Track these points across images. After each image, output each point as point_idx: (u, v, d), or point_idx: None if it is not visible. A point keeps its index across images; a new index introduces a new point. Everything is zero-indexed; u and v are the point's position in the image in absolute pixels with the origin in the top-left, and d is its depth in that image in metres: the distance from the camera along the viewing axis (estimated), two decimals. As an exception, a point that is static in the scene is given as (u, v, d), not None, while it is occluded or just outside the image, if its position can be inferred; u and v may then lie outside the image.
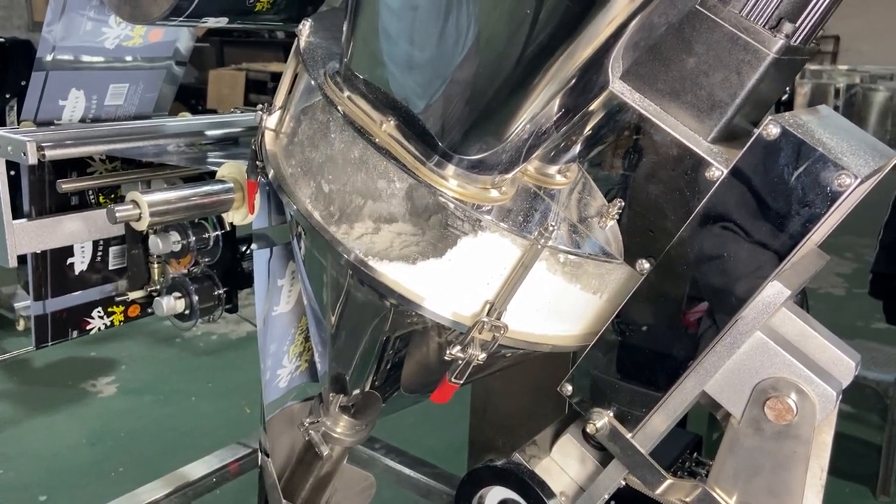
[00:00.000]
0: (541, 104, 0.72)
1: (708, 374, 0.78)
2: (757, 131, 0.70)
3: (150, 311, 1.48)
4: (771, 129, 0.69)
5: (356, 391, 1.20)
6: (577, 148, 0.84)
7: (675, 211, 0.76)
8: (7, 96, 3.84)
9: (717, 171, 0.73)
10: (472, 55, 0.70)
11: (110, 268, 1.53)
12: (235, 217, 1.05)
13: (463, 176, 0.77)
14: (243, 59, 8.02)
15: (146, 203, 0.93)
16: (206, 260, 1.38)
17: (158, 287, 1.43)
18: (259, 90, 7.17)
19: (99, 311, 1.56)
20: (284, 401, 1.27)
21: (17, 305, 3.60)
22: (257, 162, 0.93)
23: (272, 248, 1.09)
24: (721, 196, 0.72)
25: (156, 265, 1.42)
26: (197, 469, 1.68)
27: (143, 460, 2.98)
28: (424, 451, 1.92)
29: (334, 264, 0.85)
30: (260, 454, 1.19)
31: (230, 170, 1.06)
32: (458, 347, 0.82)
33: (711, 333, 0.75)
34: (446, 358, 0.84)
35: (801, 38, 0.73)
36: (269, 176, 0.89)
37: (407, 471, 1.61)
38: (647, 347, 0.79)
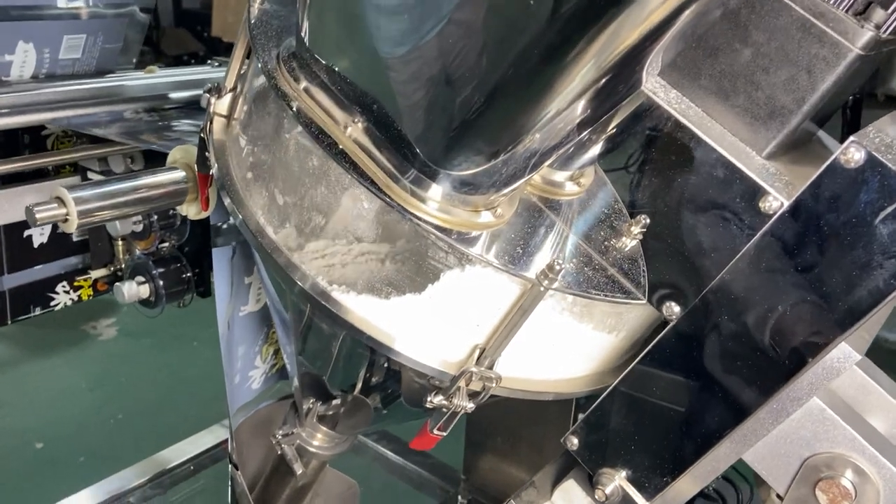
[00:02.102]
0: (560, 106, 0.55)
1: (748, 441, 0.63)
2: (833, 155, 0.52)
3: (121, 286, 1.34)
4: (852, 153, 0.52)
5: (337, 399, 1.06)
6: (596, 151, 0.67)
7: (716, 246, 0.59)
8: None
9: (775, 202, 0.56)
10: (470, 38, 0.53)
11: (74, 239, 1.38)
12: (190, 211, 0.89)
13: (447, 197, 0.61)
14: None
15: (72, 201, 0.77)
16: (174, 239, 1.22)
17: (124, 266, 1.28)
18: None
19: (64, 286, 1.42)
20: (259, 402, 1.14)
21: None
22: (206, 153, 0.77)
23: (235, 245, 0.93)
24: (779, 233, 0.56)
25: (120, 242, 1.27)
26: (175, 455, 1.57)
27: (143, 407, 2.89)
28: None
29: (291, 289, 0.70)
30: (230, 465, 1.07)
31: (182, 154, 0.89)
32: (441, 397, 0.67)
33: (756, 398, 0.60)
34: (427, 406, 0.69)
35: (892, 27, 0.55)
36: (214, 174, 0.73)
37: (400, 460, 1.49)
38: (672, 405, 0.64)
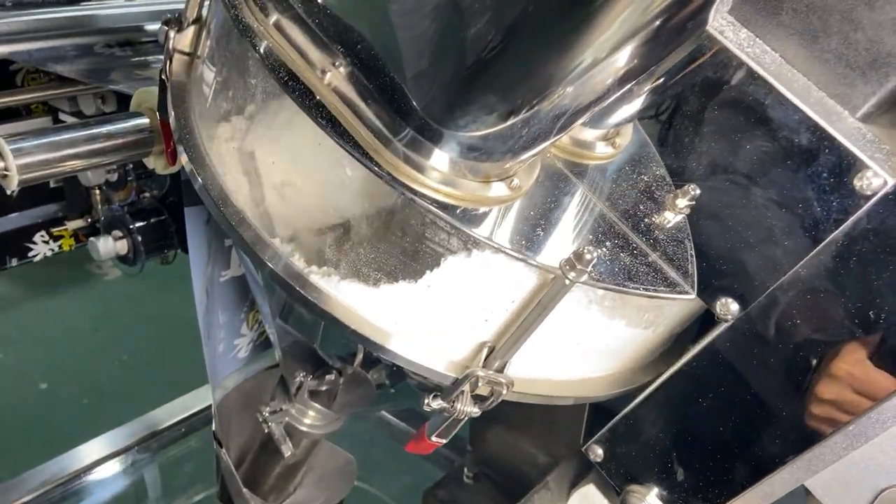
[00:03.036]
0: (600, 52, 0.41)
1: (814, 467, 0.52)
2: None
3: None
4: None
5: (331, 374, 0.96)
6: (637, 105, 0.54)
7: (791, 231, 0.47)
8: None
9: (876, 180, 0.43)
10: None
11: (52, 186, 1.27)
12: (157, 164, 0.77)
13: (451, 165, 0.48)
14: None
15: (10, 154, 0.65)
16: (155, 189, 1.10)
17: (102, 217, 1.17)
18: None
19: (43, 235, 1.31)
20: (246, 372, 1.03)
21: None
22: (166, 98, 0.64)
23: (211, 204, 0.81)
24: (878, 219, 0.43)
25: (97, 192, 1.15)
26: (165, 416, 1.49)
27: (148, 348, 2.83)
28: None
29: (261, 270, 0.58)
30: (214, 444, 0.98)
31: (148, 97, 0.76)
32: (442, 401, 0.56)
33: (832, 419, 0.48)
34: (425, 409, 0.58)
35: None
36: (172, 124, 0.60)
37: (403, 425, 1.40)
38: (723, 419, 0.53)
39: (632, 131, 0.60)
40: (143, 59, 1.01)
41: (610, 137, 0.58)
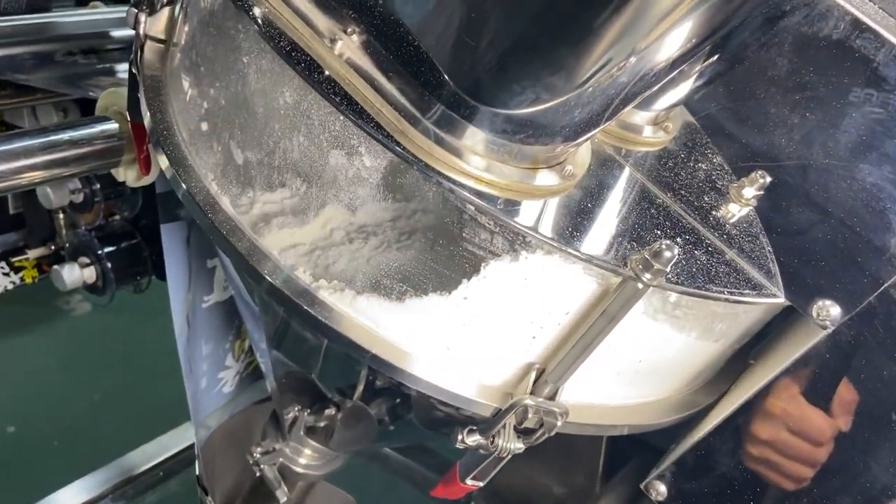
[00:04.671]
0: (677, 12, 0.33)
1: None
2: None
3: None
4: None
5: (330, 407, 0.86)
6: (694, 81, 0.46)
7: (907, 218, 0.38)
8: None
9: None
10: None
11: (11, 212, 1.16)
12: (128, 175, 0.68)
13: (492, 147, 0.39)
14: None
15: (-45, 167, 0.55)
16: (125, 211, 1.00)
17: (67, 243, 1.06)
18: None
19: (2, 267, 1.20)
20: (231, 408, 0.93)
21: None
22: (138, 94, 0.55)
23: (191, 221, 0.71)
24: None
25: (61, 216, 1.05)
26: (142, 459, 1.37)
27: (120, 387, 2.69)
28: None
29: (259, 285, 0.49)
30: (198, 489, 0.88)
31: (116, 99, 0.67)
32: (479, 437, 0.47)
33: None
34: (458, 446, 0.49)
35: None
36: (146, 124, 0.51)
37: (402, 458, 1.30)
38: (820, 448, 0.44)
39: (681, 115, 0.53)
40: (108, 66, 0.92)
41: (661, 121, 0.50)
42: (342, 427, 0.85)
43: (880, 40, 0.37)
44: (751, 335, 0.53)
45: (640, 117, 0.49)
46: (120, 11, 1.09)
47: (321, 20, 0.40)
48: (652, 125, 0.50)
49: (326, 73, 0.40)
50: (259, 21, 0.41)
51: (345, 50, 0.40)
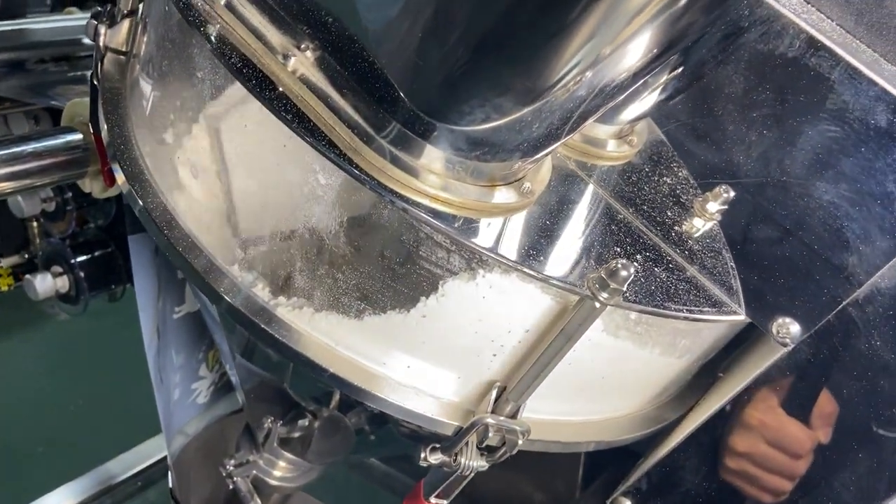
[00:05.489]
0: (631, 20, 0.33)
1: (889, 517, 0.43)
2: None
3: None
4: None
5: (304, 418, 0.86)
6: (656, 95, 0.46)
7: (868, 236, 0.38)
8: None
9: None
10: None
11: (-16, 220, 1.14)
12: (94, 186, 0.67)
13: (449, 165, 0.39)
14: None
15: (-87, 180, 0.54)
16: (99, 219, 0.99)
17: (40, 251, 1.05)
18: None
19: (-24, 275, 1.19)
20: (207, 418, 0.92)
21: None
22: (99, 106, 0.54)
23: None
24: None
25: (35, 224, 1.04)
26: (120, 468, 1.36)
27: (105, 393, 2.67)
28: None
29: (218, 304, 0.48)
30: (171, 502, 0.87)
31: (82, 110, 0.66)
32: (442, 454, 0.46)
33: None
34: (421, 463, 0.48)
35: None
36: (103, 135, 0.50)
37: (383, 466, 1.29)
38: (786, 464, 0.44)
39: (646, 129, 0.52)
40: (79, 73, 0.91)
41: (625, 135, 0.50)
42: (319, 438, 0.84)
43: (835, 58, 0.37)
44: (717, 350, 0.52)
45: (602, 131, 0.48)
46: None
47: (275, 36, 0.40)
48: (616, 139, 0.49)
49: (280, 89, 0.39)
50: (212, 37, 0.40)
51: (298, 66, 0.39)
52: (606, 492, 0.74)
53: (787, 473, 0.47)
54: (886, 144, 0.37)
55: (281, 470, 0.84)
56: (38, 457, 2.34)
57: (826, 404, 0.44)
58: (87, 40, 0.97)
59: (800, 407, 0.44)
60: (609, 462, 0.75)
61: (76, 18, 1.05)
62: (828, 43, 0.37)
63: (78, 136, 0.65)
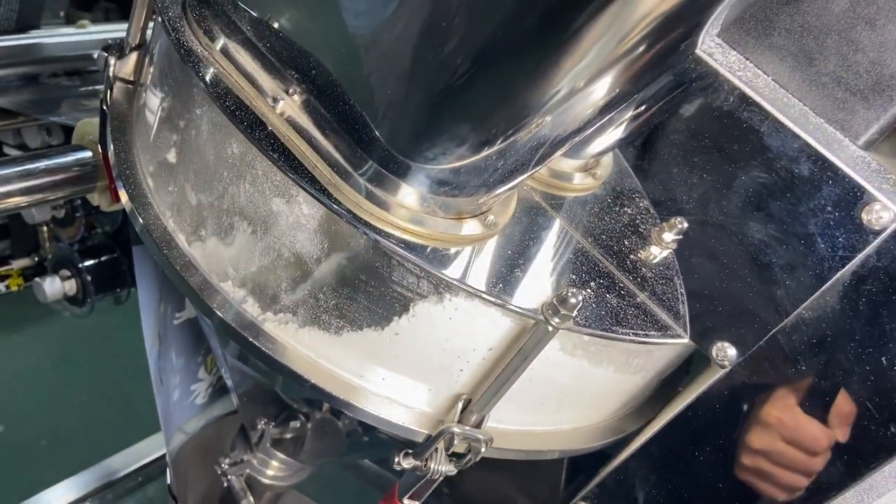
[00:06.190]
0: (583, 76, 0.37)
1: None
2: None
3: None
4: None
5: (296, 420, 0.90)
6: (619, 133, 0.50)
7: (793, 270, 0.42)
8: None
9: (886, 214, 0.39)
10: None
11: (-3, 223, 1.19)
12: (102, 200, 0.71)
13: (420, 201, 0.43)
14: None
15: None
16: (107, 225, 1.04)
17: (49, 255, 1.10)
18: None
19: (-12, 275, 1.24)
20: (205, 417, 0.97)
21: None
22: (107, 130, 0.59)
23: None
24: (890, 257, 0.39)
25: (45, 229, 1.09)
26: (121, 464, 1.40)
27: (109, 387, 2.71)
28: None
29: (209, 318, 0.52)
30: (169, 499, 0.91)
31: (92, 129, 0.71)
32: (413, 459, 0.50)
33: (841, 477, 0.44)
34: (395, 467, 0.52)
35: None
36: (110, 156, 0.55)
37: (375, 467, 1.34)
38: (720, 474, 0.48)
39: (612, 161, 0.56)
40: (91, 88, 0.96)
41: (590, 168, 0.54)
42: (311, 439, 0.88)
43: (764, 113, 0.41)
44: (674, 367, 0.57)
45: (567, 164, 0.53)
46: (103, 32, 1.13)
47: (266, 81, 0.44)
48: (580, 172, 0.54)
49: (268, 129, 0.44)
50: (208, 80, 0.45)
51: (286, 109, 0.44)
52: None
53: (803, 470, 0.47)
54: (808, 191, 0.41)
55: (273, 469, 0.88)
56: (41, 450, 2.39)
57: (844, 404, 0.44)
58: (97, 55, 1.02)
59: (817, 406, 0.45)
60: (591, 468, 0.79)
61: (89, 33, 1.10)
62: (758, 99, 0.41)
63: (87, 154, 0.70)
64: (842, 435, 0.44)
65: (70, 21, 1.23)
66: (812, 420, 0.44)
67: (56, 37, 1.05)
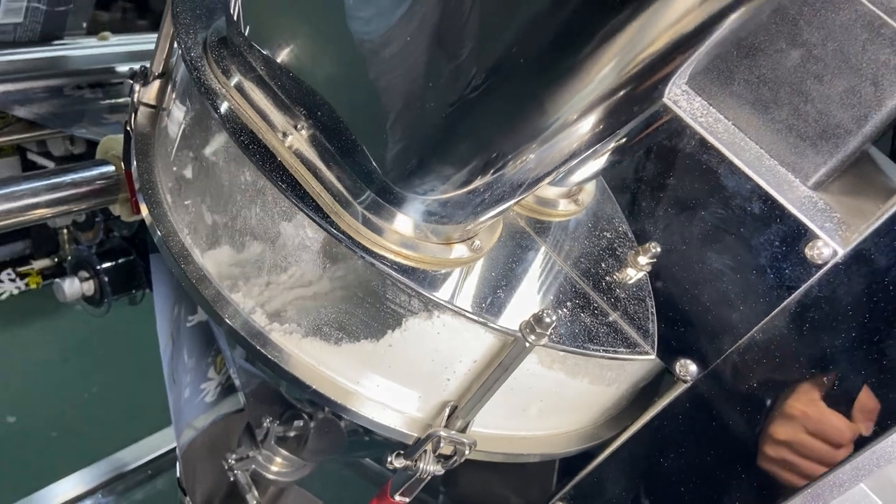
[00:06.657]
0: (566, 119, 0.42)
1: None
2: (908, 195, 0.40)
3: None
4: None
5: (299, 418, 0.95)
6: (599, 164, 0.55)
7: (747, 297, 0.47)
8: None
9: (826, 250, 0.44)
10: (462, 19, 0.40)
11: (19, 224, 1.24)
12: (123, 211, 0.77)
13: (413, 227, 0.48)
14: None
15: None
16: (124, 230, 1.10)
17: (69, 257, 1.15)
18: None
19: (9, 273, 1.29)
20: (214, 414, 1.02)
21: None
22: (131, 149, 0.64)
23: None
24: (829, 289, 0.44)
25: (65, 231, 1.14)
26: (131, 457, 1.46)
27: (119, 380, 2.77)
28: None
29: (220, 326, 0.58)
30: (178, 491, 0.96)
31: (114, 145, 0.76)
32: (404, 460, 0.55)
33: (790, 483, 0.48)
34: (388, 467, 0.57)
35: None
36: (134, 177, 0.60)
37: (375, 466, 1.39)
38: (684, 479, 0.53)
39: (595, 187, 0.61)
40: (113, 101, 1.01)
41: (573, 195, 0.59)
42: (314, 437, 0.93)
43: (721, 156, 0.46)
44: (648, 379, 0.61)
45: (552, 192, 0.57)
46: (125, 44, 1.18)
47: (276, 116, 0.49)
48: (564, 198, 0.59)
49: (278, 161, 0.49)
50: (223, 114, 0.50)
51: (294, 143, 0.49)
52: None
53: (825, 461, 0.49)
54: (759, 228, 0.45)
55: (277, 465, 0.93)
56: (52, 441, 2.44)
57: (867, 400, 0.46)
58: (119, 68, 1.07)
59: (841, 402, 0.46)
60: (579, 470, 0.84)
61: (111, 45, 1.15)
62: (716, 144, 0.46)
63: (110, 168, 0.75)
64: (866, 429, 0.47)
65: (91, 31, 1.29)
66: (835, 413, 0.47)
67: (80, 49, 1.10)
